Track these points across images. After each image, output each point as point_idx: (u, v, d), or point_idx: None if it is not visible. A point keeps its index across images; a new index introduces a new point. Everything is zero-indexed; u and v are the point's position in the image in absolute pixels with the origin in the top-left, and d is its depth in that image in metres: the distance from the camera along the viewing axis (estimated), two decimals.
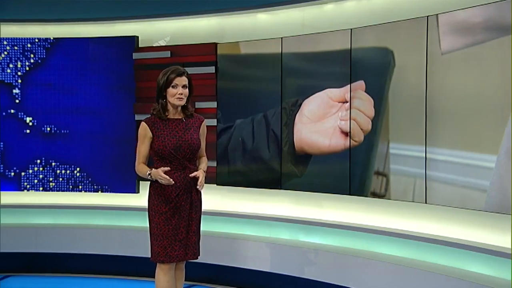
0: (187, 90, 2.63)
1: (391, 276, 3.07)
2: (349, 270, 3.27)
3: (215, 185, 3.89)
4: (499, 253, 2.69)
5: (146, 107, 3.97)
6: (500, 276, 2.71)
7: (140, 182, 4.14)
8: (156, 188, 2.63)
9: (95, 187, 4.22)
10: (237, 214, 3.85)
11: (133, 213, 4.07)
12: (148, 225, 2.67)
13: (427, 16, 2.97)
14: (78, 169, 4.24)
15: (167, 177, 2.54)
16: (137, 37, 4.19)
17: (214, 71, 3.91)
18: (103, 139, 4.21)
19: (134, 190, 4.16)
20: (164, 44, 4.12)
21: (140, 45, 4.18)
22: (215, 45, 3.93)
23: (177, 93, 2.60)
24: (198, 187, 2.61)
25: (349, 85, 3.35)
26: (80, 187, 4.22)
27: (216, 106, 3.92)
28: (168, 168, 2.57)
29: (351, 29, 3.35)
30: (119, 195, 4.19)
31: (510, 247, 2.61)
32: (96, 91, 4.23)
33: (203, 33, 4.01)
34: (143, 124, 2.63)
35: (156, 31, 4.17)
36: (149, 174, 2.59)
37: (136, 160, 2.67)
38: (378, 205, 3.28)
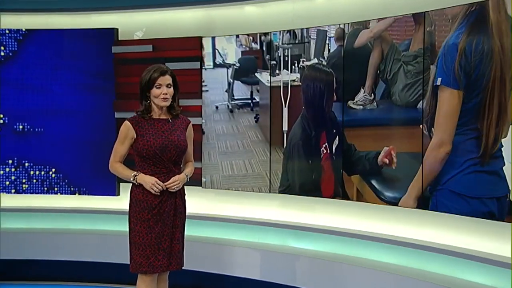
0: (171, 89, 2.57)
1: (386, 285, 3.01)
2: (342, 278, 3.20)
3: (200, 187, 3.79)
4: (498, 262, 2.62)
5: (127, 104, 3.97)
6: (500, 286, 2.65)
7: (121, 184, 4.03)
8: (137, 193, 2.55)
9: (72, 189, 4.10)
10: (224, 218, 3.76)
11: (113, 217, 3.97)
12: (128, 233, 2.58)
13: (424, 12, 2.82)
14: (53, 170, 4.11)
15: (162, 186, 2.49)
16: (117, 29, 4.06)
17: (199, 67, 3.79)
18: (80, 138, 4.08)
19: (114, 192, 4.04)
20: (140, 36, 4.00)
21: (119, 38, 4.05)
22: (200, 39, 3.82)
23: (161, 94, 2.53)
24: (169, 184, 2.52)
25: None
26: (56, 189, 4.10)
27: (201, 104, 3.76)
28: (164, 185, 2.52)
29: (344, 24, 3.18)
30: (98, 198, 4.08)
31: (510, 256, 2.55)
32: (72, 87, 4.09)
33: (188, 26, 3.92)
34: (126, 123, 2.56)
35: (137, 23, 4.06)
36: (135, 177, 2.49)
37: (111, 158, 2.60)
38: (373, 210, 3.20)
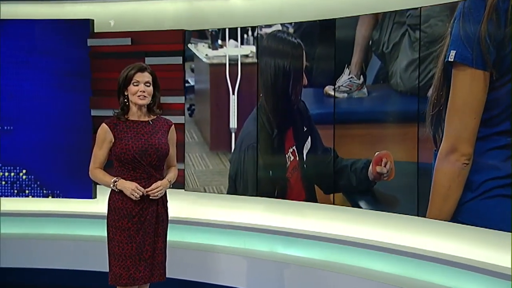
0: (150, 88, 2.47)
1: None
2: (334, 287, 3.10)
3: (183, 190, 3.63)
4: (498, 273, 2.48)
5: (104, 101, 3.78)
6: None
7: (97, 186, 3.88)
8: (116, 201, 2.45)
9: (44, 191, 3.92)
10: (208, 223, 3.62)
11: (89, 221, 3.83)
12: (106, 243, 2.47)
13: (420, 8, 2.64)
14: (24, 171, 3.93)
15: (142, 192, 2.38)
16: (92, 20, 3.89)
17: (181, 62, 3.62)
18: (53, 137, 3.90)
19: (91, 195, 3.88)
20: (111, 27, 3.80)
21: (95, 30, 3.87)
22: (183, 32, 3.62)
23: (138, 91, 2.43)
24: (150, 191, 2.40)
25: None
26: (27, 191, 3.93)
27: (184, 101, 3.59)
28: (145, 191, 2.40)
29: (335, 18, 3.00)
30: (73, 201, 3.92)
31: (510, 266, 2.42)
32: (45, 82, 3.89)
33: (170, 19, 3.75)
34: (103, 126, 2.47)
35: (115, 14, 3.88)
36: (115, 183, 2.40)
37: (91, 164, 2.52)
38: (367, 216, 3.07)
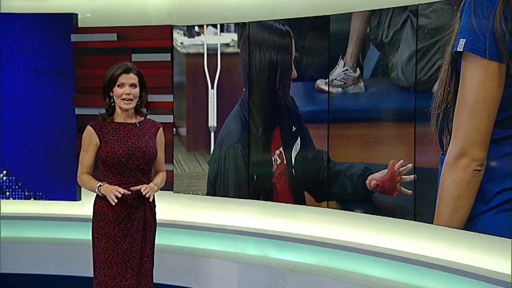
0: (136, 90, 2.41)
1: None
2: None
3: (172, 192, 3.53)
4: (498, 281, 2.40)
5: (88, 99, 3.67)
6: None
7: (82, 187, 3.71)
8: (102, 206, 2.40)
9: (26, 193, 3.85)
10: (198, 226, 3.55)
11: (73, 224, 3.75)
12: (91, 249, 2.42)
13: (418, 5, 2.55)
14: (4, 172, 3.84)
15: (123, 193, 2.28)
16: (76, 14, 3.80)
17: (169, 59, 3.52)
18: (36, 136, 3.81)
19: (75, 197, 3.80)
20: (98, 23, 3.69)
21: (79, 25, 3.78)
22: (170, 28, 3.52)
23: (123, 94, 2.37)
24: (143, 191, 2.30)
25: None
26: (8, 193, 3.85)
27: (172, 100, 3.48)
28: (129, 193, 2.31)
29: (329, 15, 2.90)
30: (56, 203, 3.85)
31: (510, 273, 2.34)
32: (26, 78, 3.81)
33: (158, 14, 3.66)
34: (88, 128, 2.42)
35: (99, 8, 3.79)
36: (99, 187, 2.36)
37: (78, 170, 2.48)
38: (363, 220, 3.00)
